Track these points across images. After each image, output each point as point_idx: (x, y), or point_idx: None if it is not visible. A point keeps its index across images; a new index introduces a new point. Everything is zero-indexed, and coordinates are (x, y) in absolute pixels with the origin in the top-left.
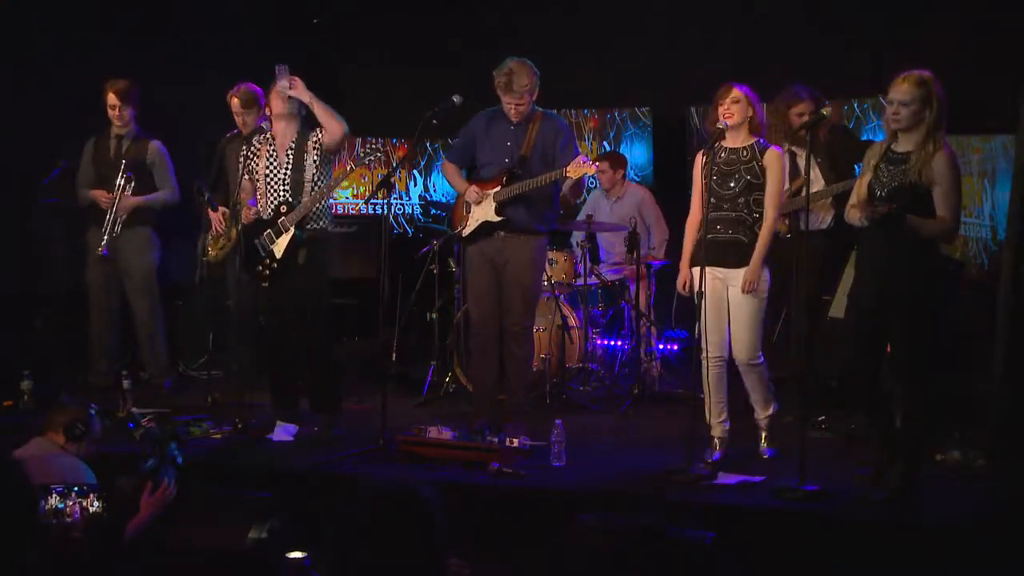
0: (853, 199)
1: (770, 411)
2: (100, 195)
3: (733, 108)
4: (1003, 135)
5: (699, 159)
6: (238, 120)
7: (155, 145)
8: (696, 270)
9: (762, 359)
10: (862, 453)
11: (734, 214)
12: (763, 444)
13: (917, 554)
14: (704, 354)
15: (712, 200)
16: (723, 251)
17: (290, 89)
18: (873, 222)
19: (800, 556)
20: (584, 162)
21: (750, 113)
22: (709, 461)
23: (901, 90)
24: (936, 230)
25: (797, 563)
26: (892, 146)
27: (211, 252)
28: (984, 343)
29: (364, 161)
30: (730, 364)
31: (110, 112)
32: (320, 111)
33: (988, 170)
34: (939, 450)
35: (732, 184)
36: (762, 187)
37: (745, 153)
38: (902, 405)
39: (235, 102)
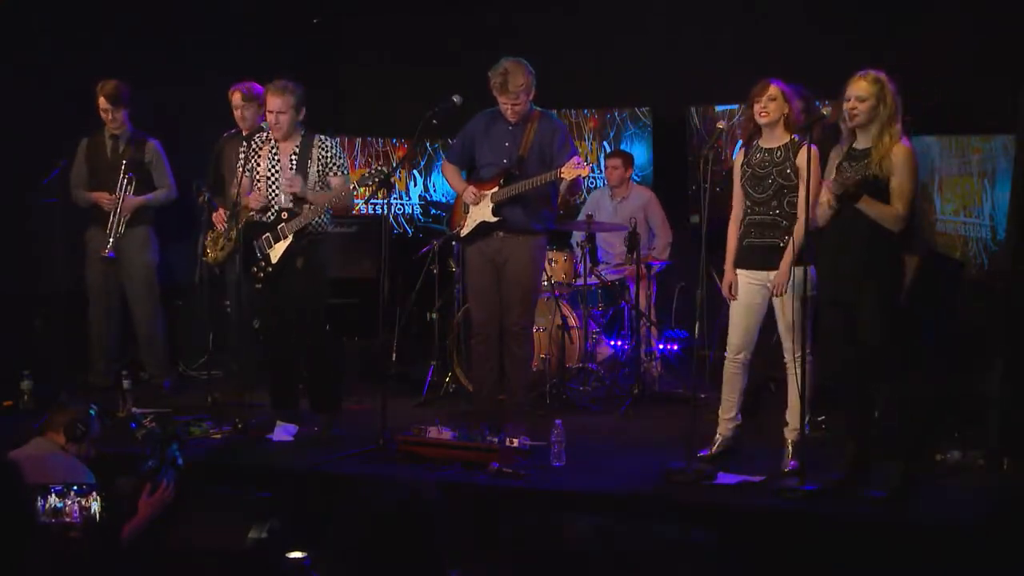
0: (821, 199)
1: (800, 426)
2: (102, 197)
3: (770, 106)
4: (1003, 135)
5: (738, 158)
6: (237, 114)
7: (152, 144)
8: (737, 271)
9: (812, 356)
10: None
11: (768, 218)
12: (787, 458)
13: (917, 554)
14: (726, 353)
15: (747, 203)
16: (761, 255)
17: (292, 188)
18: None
19: (800, 556)
20: (579, 164)
21: (786, 110)
22: (709, 454)
23: (859, 87)
24: (885, 214)
25: (797, 563)
26: (853, 144)
27: (210, 254)
28: (984, 343)
29: (367, 182)
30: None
31: (103, 115)
32: (325, 201)
33: (988, 170)
34: (939, 450)
35: (764, 188)
36: (796, 189)
37: (779, 154)
38: (884, 404)
39: (236, 96)
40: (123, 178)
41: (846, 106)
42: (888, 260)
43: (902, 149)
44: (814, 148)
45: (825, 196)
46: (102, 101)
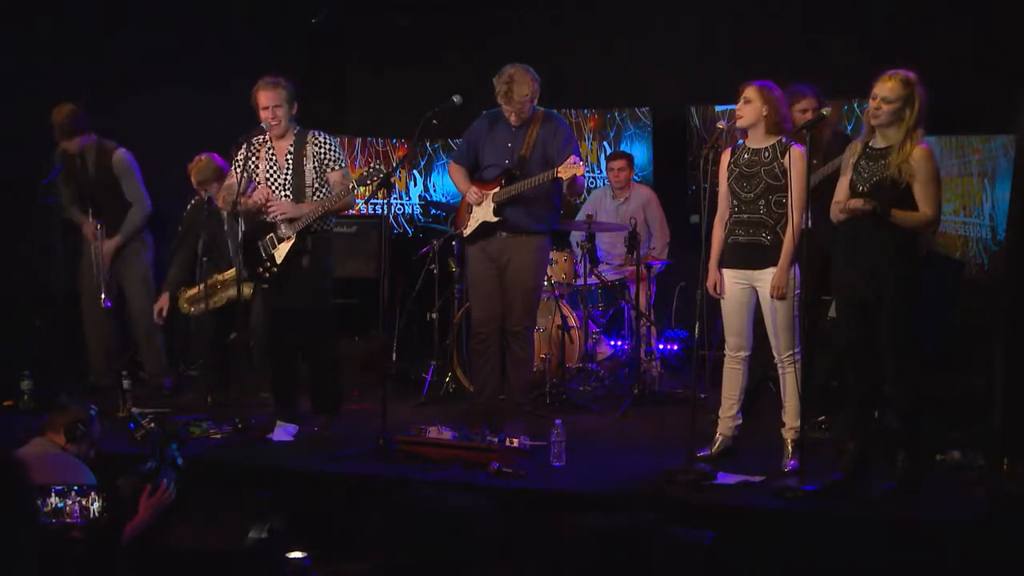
0: (838, 197)
1: (798, 424)
2: (88, 229)
3: (743, 109)
4: (1003, 135)
5: (724, 157)
6: (202, 191)
7: (120, 155)
8: (723, 271)
9: (800, 355)
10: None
11: (755, 217)
12: (787, 458)
13: (917, 554)
14: (724, 352)
15: (734, 203)
16: (745, 254)
17: (283, 215)
18: (856, 217)
19: (800, 556)
20: (575, 163)
21: (764, 112)
22: (709, 453)
23: (886, 87)
24: (919, 222)
25: (797, 563)
26: (871, 143)
27: (185, 306)
28: (984, 343)
29: (366, 181)
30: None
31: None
32: (326, 205)
33: (988, 170)
34: (939, 450)
35: (752, 187)
36: (783, 188)
37: (767, 154)
38: (892, 404)
39: (192, 179)
40: (93, 225)
41: (871, 104)
42: (907, 259)
43: (921, 152)
44: (801, 149)
45: (848, 200)
46: (57, 132)
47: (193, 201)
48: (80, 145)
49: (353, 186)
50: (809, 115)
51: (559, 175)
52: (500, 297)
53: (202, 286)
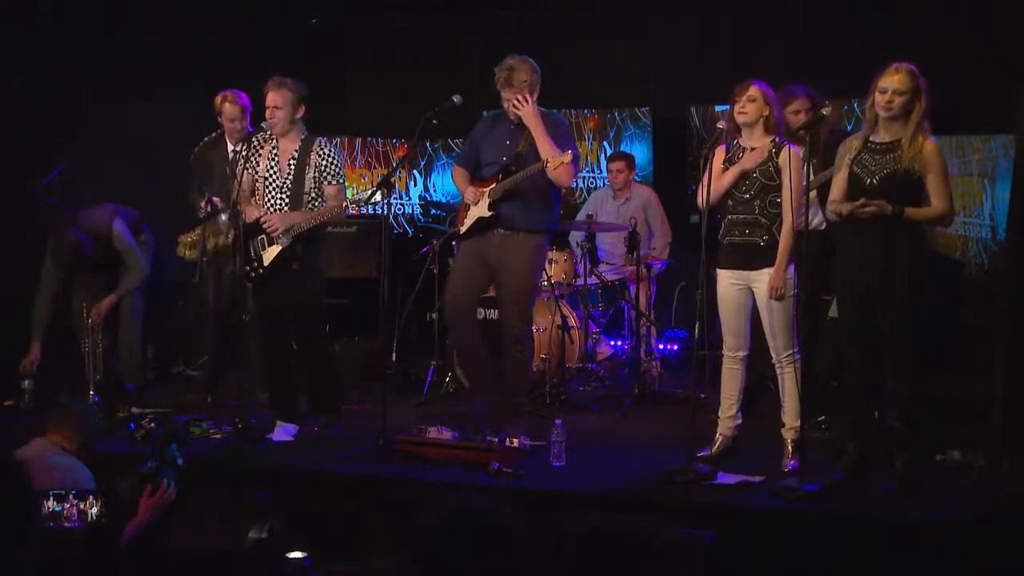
0: (834, 195)
1: (798, 423)
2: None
3: (748, 106)
4: (1003, 135)
5: (719, 155)
6: (227, 126)
7: (115, 230)
8: (719, 271)
9: (799, 356)
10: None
11: (749, 217)
12: (787, 458)
13: (917, 554)
14: (722, 352)
15: (729, 203)
16: (740, 254)
17: (274, 231)
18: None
19: (800, 556)
20: (561, 152)
21: (766, 112)
22: (709, 453)
23: (895, 79)
24: (934, 215)
25: (797, 563)
26: (871, 137)
27: (187, 254)
28: (984, 343)
29: (361, 201)
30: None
31: None
32: (317, 217)
33: (988, 170)
34: (939, 450)
35: (746, 187)
36: (777, 188)
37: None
38: (895, 403)
39: (227, 107)
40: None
41: (881, 98)
42: (917, 258)
43: (932, 146)
44: (796, 149)
45: (841, 203)
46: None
47: (211, 136)
48: (84, 244)
49: (347, 203)
50: (802, 116)
51: (549, 163)
52: (476, 289)
53: (200, 229)
